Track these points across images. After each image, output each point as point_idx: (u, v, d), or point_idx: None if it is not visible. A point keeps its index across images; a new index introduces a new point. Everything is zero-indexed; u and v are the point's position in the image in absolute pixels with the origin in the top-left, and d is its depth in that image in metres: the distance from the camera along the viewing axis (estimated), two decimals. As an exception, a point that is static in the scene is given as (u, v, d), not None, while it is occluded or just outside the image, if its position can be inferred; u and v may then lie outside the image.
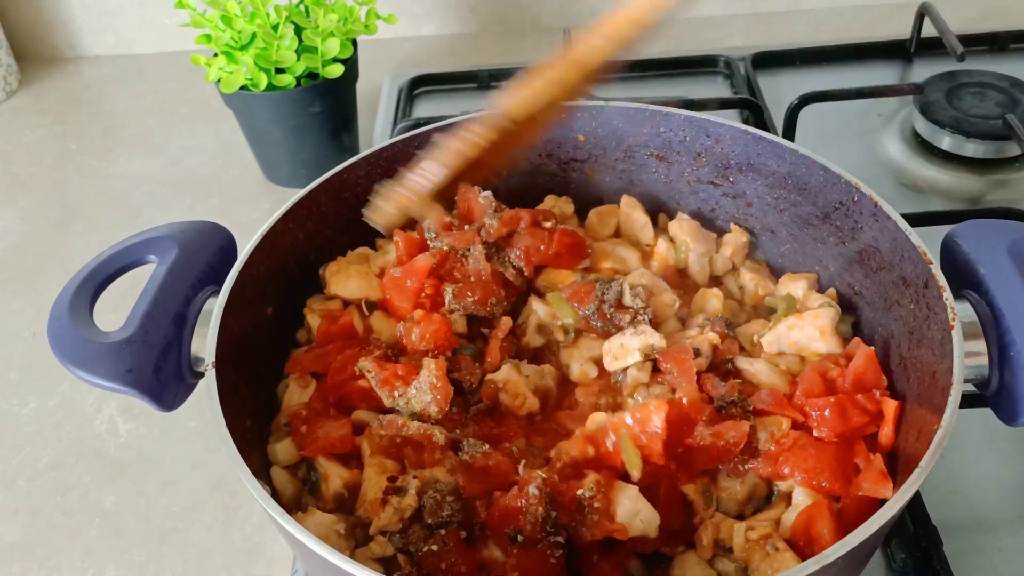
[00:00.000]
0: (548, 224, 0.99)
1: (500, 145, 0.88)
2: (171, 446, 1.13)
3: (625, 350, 0.89)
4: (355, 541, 0.80)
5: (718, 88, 1.61)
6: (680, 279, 1.03)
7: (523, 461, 0.81)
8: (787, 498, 0.81)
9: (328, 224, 1.00)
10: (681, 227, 1.04)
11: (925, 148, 1.42)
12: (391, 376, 0.87)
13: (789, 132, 1.38)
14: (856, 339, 0.91)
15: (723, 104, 1.45)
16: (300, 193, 0.96)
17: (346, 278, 0.98)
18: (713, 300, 0.98)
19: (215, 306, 0.84)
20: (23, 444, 1.15)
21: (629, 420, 0.80)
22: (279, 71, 1.35)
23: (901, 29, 1.63)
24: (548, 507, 0.75)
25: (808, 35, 1.76)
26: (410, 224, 0.98)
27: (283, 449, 0.87)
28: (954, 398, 0.72)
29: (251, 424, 0.85)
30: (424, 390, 0.85)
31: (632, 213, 1.07)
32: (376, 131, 1.56)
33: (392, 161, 1.02)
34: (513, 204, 1.02)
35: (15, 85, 1.83)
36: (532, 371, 0.92)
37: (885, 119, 1.50)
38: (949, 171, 1.39)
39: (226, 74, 1.33)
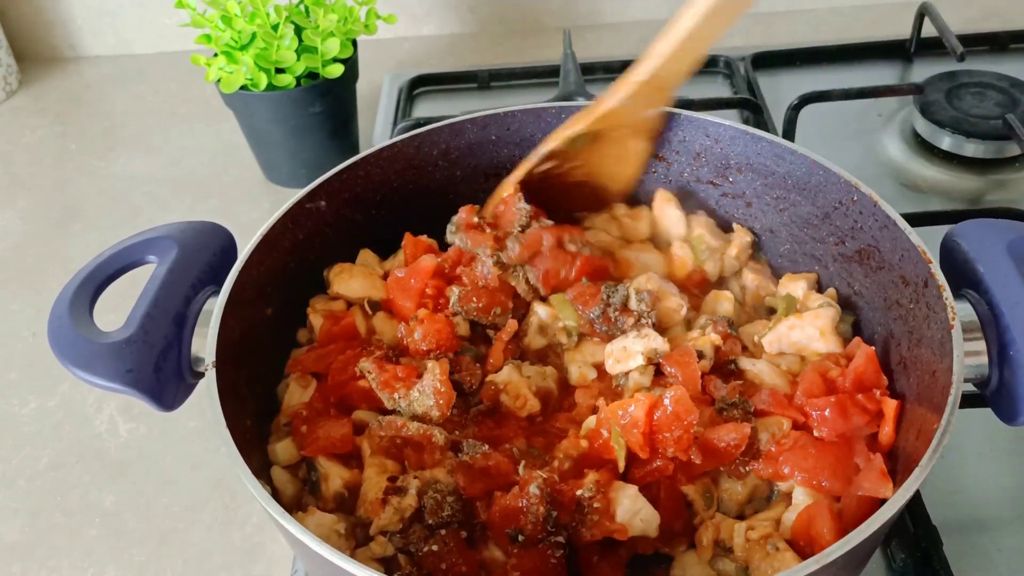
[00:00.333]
0: (573, 248, 0.97)
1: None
2: (171, 446, 1.13)
3: (628, 353, 0.89)
4: (355, 541, 0.80)
5: (718, 88, 1.61)
6: (699, 282, 1.01)
7: (523, 462, 0.81)
8: (787, 498, 0.81)
9: (328, 224, 1.00)
10: (699, 224, 1.04)
11: (925, 148, 1.42)
12: (391, 378, 0.87)
13: (789, 132, 1.38)
14: (856, 339, 0.91)
15: (723, 104, 1.45)
16: (300, 193, 0.96)
17: (349, 278, 0.99)
18: (724, 303, 0.98)
19: (215, 306, 0.83)
20: (23, 444, 1.15)
21: (619, 412, 0.81)
22: (279, 71, 1.35)
23: (901, 29, 1.63)
24: (549, 507, 0.75)
25: (808, 35, 1.76)
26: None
27: (283, 449, 0.87)
28: (954, 397, 0.72)
29: (251, 424, 0.85)
30: (427, 394, 0.85)
31: (666, 208, 1.06)
32: (376, 131, 1.56)
33: (392, 161, 1.02)
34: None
35: (15, 85, 1.83)
36: (533, 372, 0.92)
37: (885, 119, 1.50)
38: (949, 171, 1.39)
39: (226, 74, 1.33)
